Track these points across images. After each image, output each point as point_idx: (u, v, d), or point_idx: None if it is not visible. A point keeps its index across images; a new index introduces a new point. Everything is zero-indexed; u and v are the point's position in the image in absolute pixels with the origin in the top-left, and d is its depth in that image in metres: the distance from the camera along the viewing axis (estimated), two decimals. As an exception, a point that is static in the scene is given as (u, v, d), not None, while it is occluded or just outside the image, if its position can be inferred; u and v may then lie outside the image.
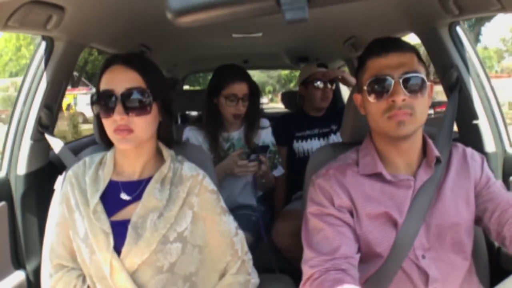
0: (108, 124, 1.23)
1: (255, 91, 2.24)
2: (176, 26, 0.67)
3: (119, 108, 1.20)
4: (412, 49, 1.22)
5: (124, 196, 1.29)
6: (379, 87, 1.18)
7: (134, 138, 1.23)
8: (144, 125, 1.24)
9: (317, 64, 2.70)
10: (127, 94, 1.21)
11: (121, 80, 1.23)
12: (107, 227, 1.23)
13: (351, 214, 1.22)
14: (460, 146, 1.35)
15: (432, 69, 1.88)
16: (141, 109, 1.23)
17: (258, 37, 2.74)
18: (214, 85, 2.20)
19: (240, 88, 2.14)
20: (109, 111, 1.21)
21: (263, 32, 2.62)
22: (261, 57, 3.86)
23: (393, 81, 1.16)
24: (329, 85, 2.58)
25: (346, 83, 2.60)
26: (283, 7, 0.63)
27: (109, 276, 1.21)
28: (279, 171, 2.42)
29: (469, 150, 1.34)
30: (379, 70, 1.19)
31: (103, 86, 1.24)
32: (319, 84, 2.58)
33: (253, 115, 2.25)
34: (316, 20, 2.01)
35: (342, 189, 1.23)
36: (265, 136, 2.35)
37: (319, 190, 1.26)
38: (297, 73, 3.29)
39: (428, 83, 1.19)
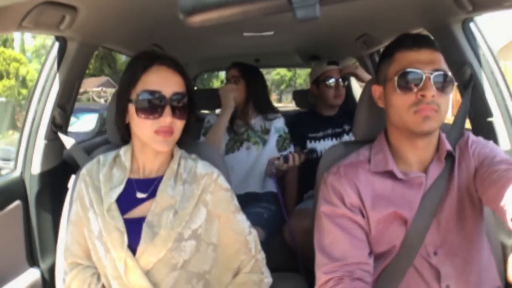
0: (149, 125, 1.24)
1: (250, 74, 2.55)
2: (187, 26, 0.68)
3: (168, 110, 1.23)
4: (439, 50, 1.21)
5: (140, 195, 1.30)
6: (410, 80, 1.16)
7: (172, 140, 1.27)
8: (181, 128, 1.29)
9: (328, 61, 2.69)
10: (176, 98, 1.25)
11: (168, 82, 1.25)
12: (121, 225, 1.24)
13: (362, 214, 1.22)
14: (466, 134, 1.32)
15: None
16: (185, 113, 1.28)
17: (269, 36, 2.74)
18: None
19: (231, 73, 2.55)
20: (156, 112, 1.23)
21: (275, 31, 2.62)
22: (272, 55, 3.86)
23: (424, 76, 1.15)
24: (341, 82, 2.57)
25: (359, 79, 2.58)
26: (294, 5, 0.62)
27: (124, 275, 1.22)
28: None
29: (473, 136, 1.30)
30: (410, 64, 1.17)
31: (148, 86, 1.24)
32: (332, 82, 2.56)
33: (255, 99, 2.54)
34: (327, 18, 2.00)
35: (353, 189, 1.23)
36: (277, 122, 2.54)
37: (331, 189, 1.26)
38: (287, 77, 3.26)
39: (454, 83, 1.19)
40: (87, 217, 1.29)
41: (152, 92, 1.23)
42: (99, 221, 1.26)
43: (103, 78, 23.61)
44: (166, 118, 1.22)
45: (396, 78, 1.17)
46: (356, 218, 1.21)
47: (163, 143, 1.25)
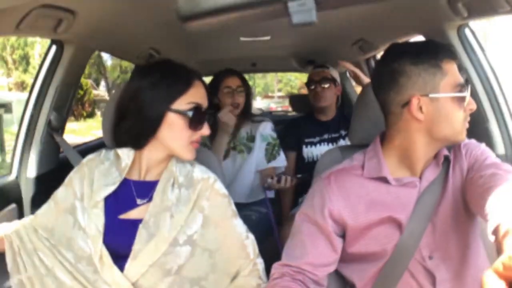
0: (188, 135, 1.29)
1: (247, 87, 2.47)
2: (185, 30, 0.68)
3: (206, 123, 1.32)
4: None
5: (139, 202, 1.30)
6: (467, 93, 1.15)
7: None
8: None
9: (315, 65, 2.72)
10: (208, 112, 1.34)
11: (204, 97, 1.33)
12: (101, 225, 1.25)
13: (342, 225, 1.22)
14: None
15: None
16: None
17: (266, 40, 2.74)
18: (212, 86, 2.43)
19: (233, 81, 2.40)
20: (199, 124, 1.30)
21: (271, 35, 2.63)
22: (269, 60, 3.86)
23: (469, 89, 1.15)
24: (322, 84, 2.57)
25: (358, 81, 2.58)
26: (291, 10, 0.63)
27: (100, 271, 1.23)
28: (280, 162, 2.44)
29: (465, 139, 1.28)
30: (459, 77, 1.15)
31: (194, 99, 1.29)
32: (311, 85, 2.61)
33: (245, 108, 2.45)
34: (324, 23, 2.01)
35: (339, 196, 1.22)
36: (263, 129, 2.45)
37: (315, 194, 1.26)
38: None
39: None
40: (75, 206, 1.31)
41: (198, 105, 1.29)
42: (86, 216, 1.28)
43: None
44: (205, 131, 1.31)
45: (467, 93, 1.13)
46: (327, 228, 1.21)
47: (194, 152, 1.32)
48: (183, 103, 1.27)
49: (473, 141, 1.28)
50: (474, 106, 1.14)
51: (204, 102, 1.31)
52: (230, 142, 2.40)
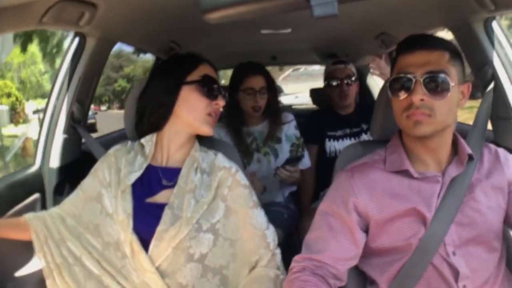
0: (204, 106, 1.36)
1: (272, 85, 2.27)
2: (206, 22, 0.68)
3: (221, 96, 1.40)
4: (443, 47, 1.18)
5: (166, 183, 1.35)
6: (400, 85, 1.17)
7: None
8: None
9: (334, 61, 2.68)
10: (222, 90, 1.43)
11: (215, 76, 1.43)
12: (129, 208, 1.29)
13: (366, 218, 1.23)
14: (492, 146, 1.32)
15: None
16: None
17: (287, 33, 2.72)
18: (233, 81, 2.26)
19: (256, 81, 2.18)
20: (213, 93, 1.38)
21: (292, 28, 2.61)
22: (289, 53, 3.84)
23: (414, 80, 1.14)
24: (347, 81, 2.54)
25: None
26: (312, 3, 0.62)
27: (131, 258, 1.26)
28: (304, 165, 2.33)
29: (501, 150, 1.31)
30: (403, 68, 1.18)
31: (206, 72, 1.39)
32: (334, 82, 2.57)
33: (274, 109, 2.28)
34: (345, 15, 1.98)
35: (364, 188, 1.23)
36: (287, 129, 2.33)
37: (338, 187, 1.28)
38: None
39: (453, 84, 1.15)
40: (102, 193, 1.35)
41: (211, 77, 1.38)
42: (113, 201, 1.31)
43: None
44: (220, 102, 1.38)
45: (388, 83, 1.20)
46: (350, 221, 1.22)
47: (212, 127, 1.38)
48: (196, 76, 1.37)
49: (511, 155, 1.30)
50: (412, 97, 1.14)
51: (215, 77, 1.40)
52: (253, 143, 2.27)
